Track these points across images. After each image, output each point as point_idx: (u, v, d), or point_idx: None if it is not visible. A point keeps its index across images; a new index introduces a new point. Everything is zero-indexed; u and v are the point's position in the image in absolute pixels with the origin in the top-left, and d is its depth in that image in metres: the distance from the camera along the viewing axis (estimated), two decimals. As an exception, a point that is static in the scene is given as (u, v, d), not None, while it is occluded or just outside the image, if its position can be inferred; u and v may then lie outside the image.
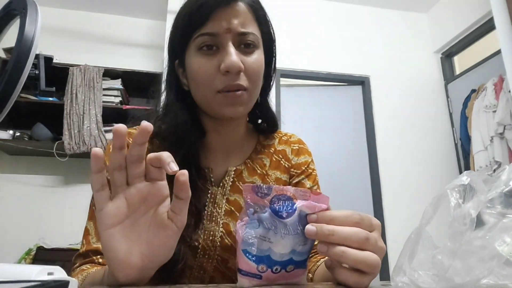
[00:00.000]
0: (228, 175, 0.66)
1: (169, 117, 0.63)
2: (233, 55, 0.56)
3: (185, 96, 0.64)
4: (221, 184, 0.65)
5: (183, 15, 0.61)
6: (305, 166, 0.73)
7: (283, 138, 0.76)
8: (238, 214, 0.63)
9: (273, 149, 0.73)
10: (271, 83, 0.71)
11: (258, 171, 0.69)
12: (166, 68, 0.69)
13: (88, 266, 0.56)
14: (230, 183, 0.66)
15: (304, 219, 0.39)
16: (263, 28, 0.63)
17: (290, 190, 0.39)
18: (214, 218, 0.63)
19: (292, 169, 0.72)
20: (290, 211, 0.39)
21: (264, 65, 0.63)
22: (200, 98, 0.61)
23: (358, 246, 0.38)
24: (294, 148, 0.74)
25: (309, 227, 0.38)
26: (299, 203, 0.39)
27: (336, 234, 0.38)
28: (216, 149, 0.67)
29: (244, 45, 0.59)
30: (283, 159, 0.72)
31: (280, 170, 0.71)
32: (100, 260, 0.57)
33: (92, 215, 0.60)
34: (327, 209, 0.40)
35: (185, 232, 0.50)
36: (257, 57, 0.60)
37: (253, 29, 0.60)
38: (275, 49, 0.69)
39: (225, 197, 0.65)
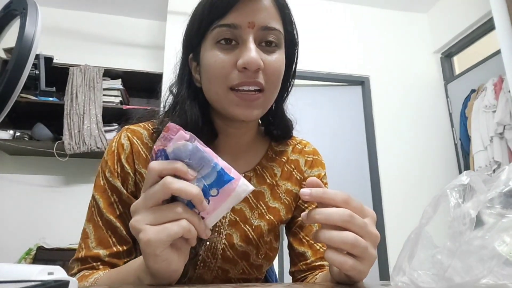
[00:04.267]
0: None
1: (178, 115, 0.58)
2: (253, 51, 0.51)
3: (196, 94, 0.60)
4: None
5: (203, 3, 0.56)
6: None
7: (297, 146, 0.72)
8: (242, 226, 0.61)
9: (285, 157, 0.69)
10: (289, 88, 0.67)
11: (268, 180, 0.66)
12: (179, 62, 0.64)
13: (90, 272, 0.54)
14: None
15: (181, 152, 0.39)
16: (287, 27, 0.59)
17: (157, 144, 0.41)
18: (217, 229, 0.60)
19: (304, 182, 0.69)
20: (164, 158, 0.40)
21: (284, 67, 0.58)
22: (212, 95, 0.57)
23: (343, 206, 0.40)
24: (308, 159, 0.71)
25: (304, 189, 0.42)
26: (167, 148, 0.40)
27: (327, 193, 0.41)
28: (223, 153, 0.62)
29: (266, 43, 0.55)
30: (295, 170, 0.69)
31: (291, 182, 0.68)
32: (101, 267, 0.55)
33: (91, 217, 0.58)
34: (183, 136, 0.40)
35: None
36: (279, 57, 0.56)
37: (277, 27, 0.56)
38: (297, 52, 0.64)
39: None
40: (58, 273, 0.31)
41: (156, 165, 0.39)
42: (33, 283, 0.27)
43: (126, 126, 0.64)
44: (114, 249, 0.56)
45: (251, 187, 0.41)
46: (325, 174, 0.73)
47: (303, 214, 0.43)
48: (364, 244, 0.40)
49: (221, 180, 0.40)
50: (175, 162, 0.39)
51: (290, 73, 0.65)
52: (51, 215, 2.61)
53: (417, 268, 0.35)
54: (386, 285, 0.44)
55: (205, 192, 0.40)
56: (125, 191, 0.59)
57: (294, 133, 0.74)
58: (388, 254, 2.61)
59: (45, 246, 2.31)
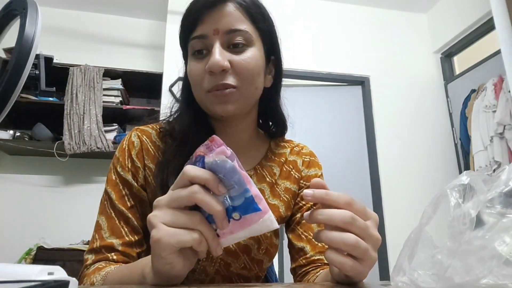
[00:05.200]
0: None
1: (179, 117, 0.65)
2: (215, 55, 0.56)
3: (192, 100, 0.65)
4: None
5: (180, 23, 0.62)
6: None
7: (295, 149, 0.76)
8: None
9: (284, 158, 0.73)
10: (280, 82, 0.70)
11: (267, 179, 0.69)
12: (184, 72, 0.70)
13: (103, 264, 0.56)
14: None
15: (218, 167, 0.39)
16: (259, 25, 0.62)
17: (200, 149, 0.42)
18: None
19: (301, 181, 0.72)
20: (201, 165, 0.40)
21: (259, 63, 0.61)
22: (197, 100, 0.63)
23: (345, 207, 0.41)
24: (305, 160, 0.75)
25: (307, 190, 0.42)
26: (206, 157, 0.40)
27: (329, 195, 0.41)
28: None
29: (234, 44, 0.58)
30: (293, 170, 0.72)
31: (290, 181, 0.71)
32: (115, 257, 0.57)
33: (104, 210, 0.61)
34: (224, 152, 0.39)
35: None
36: (250, 54, 0.59)
37: (244, 27, 0.59)
38: (277, 45, 0.67)
39: None
40: (58, 273, 0.31)
41: (191, 169, 0.40)
42: (33, 283, 0.26)
43: (136, 127, 0.69)
44: (127, 238, 0.59)
45: (275, 225, 0.41)
46: (321, 175, 0.75)
47: (305, 213, 0.43)
48: (365, 246, 0.40)
49: (248, 207, 0.40)
50: (209, 173, 0.39)
51: (278, 68, 0.68)
52: (51, 215, 2.61)
53: (417, 268, 0.35)
54: (386, 285, 0.44)
55: (228, 213, 0.40)
56: (135, 184, 0.62)
57: (293, 134, 0.76)
58: (388, 254, 2.61)
59: (45, 246, 2.31)
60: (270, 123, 0.74)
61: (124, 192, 0.62)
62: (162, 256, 0.39)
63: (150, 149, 0.65)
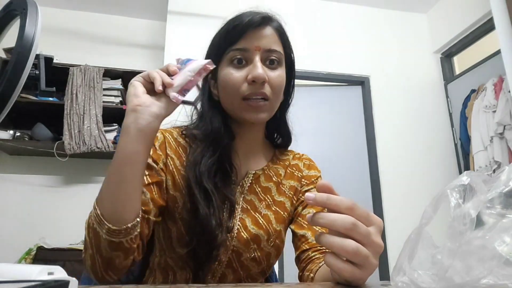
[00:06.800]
0: (247, 177, 0.75)
1: (204, 123, 0.72)
2: (259, 68, 0.66)
3: (215, 105, 0.73)
4: (240, 184, 0.74)
5: (220, 33, 0.72)
6: (314, 178, 0.82)
7: (296, 155, 0.86)
8: (252, 213, 0.72)
9: (288, 162, 0.83)
10: (290, 100, 0.81)
11: (274, 179, 0.77)
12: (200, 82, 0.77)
13: None
14: (249, 184, 0.75)
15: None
16: (286, 50, 0.74)
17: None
18: (234, 214, 0.71)
19: (303, 179, 0.81)
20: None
21: (284, 81, 0.72)
22: (228, 105, 0.70)
23: (347, 213, 0.42)
24: (306, 163, 0.84)
25: (309, 194, 0.44)
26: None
27: (331, 199, 0.43)
28: (238, 153, 0.75)
29: (270, 62, 0.69)
30: (296, 171, 0.81)
31: (294, 179, 0.80)
32: None
33: None
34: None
35: (219, 221, 0.64)
36: (280, 73, 0.70)
37: (278, 49, 0.70)
38: (294, 70, 0.78)
39: (242, 196, 0.73)
40: (58, 273, 0.31)
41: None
42: (33, 283, 0.26)
43: None
44: None
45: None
46: (320, 177, 0.83)
47: (308, 216, 0.45)
48: (365, 253, 0.40)
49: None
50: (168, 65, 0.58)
51: (290, 87, 0.79)
52: (51, 215, 2.61)
53: (417, 268, 0.35)
54: (386, 285, 0.44)
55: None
56: (156, 166, 0.68)
57: (292, 134, 0.84)
58: (388, 254, 2.61)
59: (45, 246, 2.31)
60: (276, 134, 0.83)
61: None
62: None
63: (172, 144, 0.73)
